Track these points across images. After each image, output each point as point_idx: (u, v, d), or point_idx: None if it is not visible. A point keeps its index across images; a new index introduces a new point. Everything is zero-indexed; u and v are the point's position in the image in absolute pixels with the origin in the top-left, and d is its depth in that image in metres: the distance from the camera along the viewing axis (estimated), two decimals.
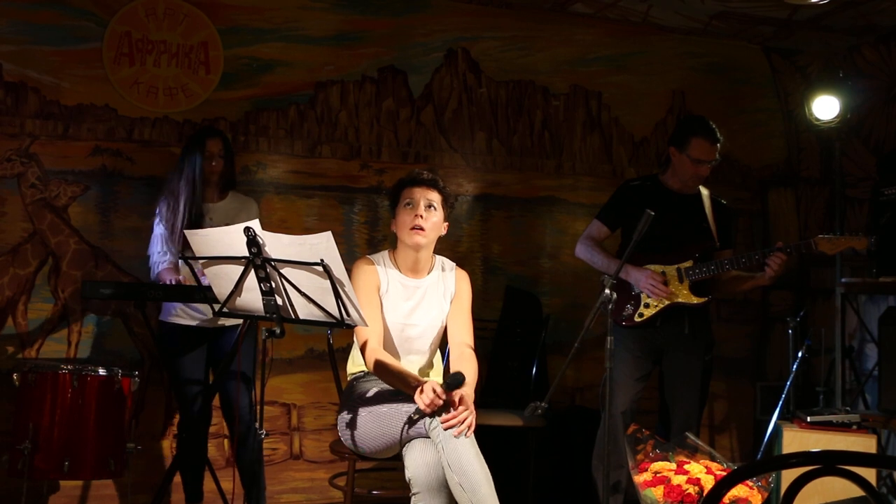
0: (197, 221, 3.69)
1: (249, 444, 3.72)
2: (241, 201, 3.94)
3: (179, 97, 4.33)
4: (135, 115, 4.24)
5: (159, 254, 3.73)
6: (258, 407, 2.90)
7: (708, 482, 2.87)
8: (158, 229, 3.77)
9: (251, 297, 2.73)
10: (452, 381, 2.82)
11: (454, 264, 3.30)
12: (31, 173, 4.08)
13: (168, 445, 4.20)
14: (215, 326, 3.78)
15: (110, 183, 4.20)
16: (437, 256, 3.25)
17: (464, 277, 3.26)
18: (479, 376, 4.55)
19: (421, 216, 3.08)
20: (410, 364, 3.15)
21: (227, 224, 3.73)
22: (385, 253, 3.22)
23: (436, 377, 3.15)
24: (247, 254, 2.61)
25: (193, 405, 3.75)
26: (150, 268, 3.79)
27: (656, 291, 3.64)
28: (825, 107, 4.65)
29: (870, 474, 3.51)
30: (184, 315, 3.76)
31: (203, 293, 2.93)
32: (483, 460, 2.79)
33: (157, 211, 3.80)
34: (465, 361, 3.07)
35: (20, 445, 3.37)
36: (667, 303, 3.68)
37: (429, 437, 2.81)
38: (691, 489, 2.88)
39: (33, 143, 4.09)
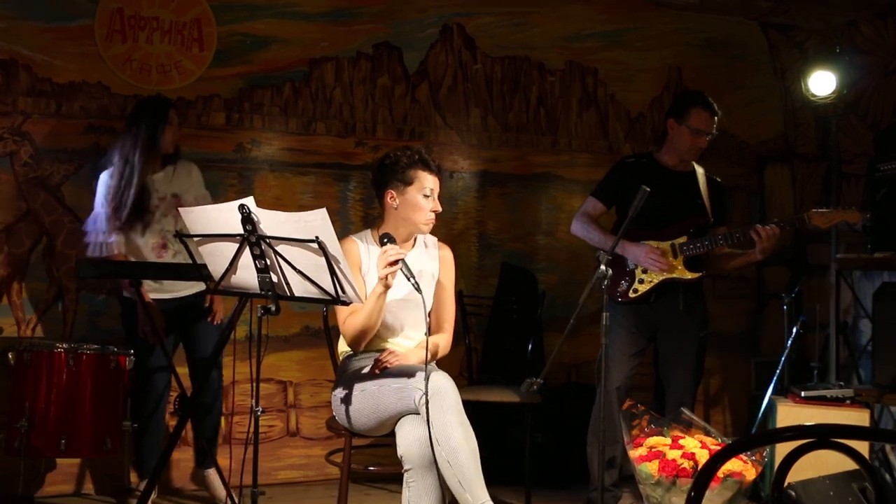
0: (143, 196, 3.65)
1: (215, 407, 3.90)
2: (182, 166, 3.86)
3: (172, 74, 4.30)
4: (128, 93, 4.21)
5: (104, 234, 3.66)
6: (254, 384, 2.90)
7: (702, 457, 2.89)
8: (101, 207, 3.67)
9: (246, 274, 2.73)
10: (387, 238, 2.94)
11: (436, 240, 3.31)
12: (23, 151, 4.05)
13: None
14: (174, 298, 3.79)
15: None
16: None
17: (448, 255, 3.29)
18: (475, 353, 4.64)
19: (438, 210, 3.13)
20: (395, 342, 3.16)
21: (175, 193, 3.75)
22: (368, 232, 3.24)
23: (421, 352, 3.11)
24: (241, 231, 2.61)
25: (159, 379, 3.80)
26: (89, 244, 3.69)
27: (658, 265, 3.65)
28: (822, 83, 4.63)
29: (863, 447, 3.53)
30: (150, 290, 3.75)
31: (198, 271, 2.92)
32: (471, 436, 2.80)
33: (103, 184, 3.69)
34: (433, 337, 3.14)
35: (17, 424, 3.38)
36: (662, 278, 3.69)
37: (419, 414, 2.82)
38: (686, 464, 2.90)
39: (26, 122, 4.06)
